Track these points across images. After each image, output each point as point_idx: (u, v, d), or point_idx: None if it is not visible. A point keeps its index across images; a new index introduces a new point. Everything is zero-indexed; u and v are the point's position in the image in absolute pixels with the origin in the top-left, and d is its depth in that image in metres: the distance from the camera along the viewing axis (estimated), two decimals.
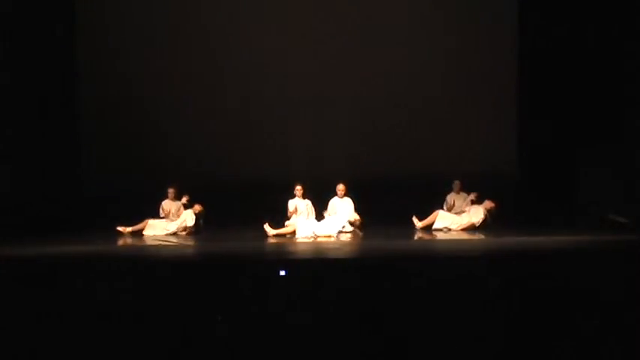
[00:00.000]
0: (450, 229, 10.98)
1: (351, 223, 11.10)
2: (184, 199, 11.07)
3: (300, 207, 11.09)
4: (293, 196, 11.15)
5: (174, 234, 10.88)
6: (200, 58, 12.92)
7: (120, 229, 10.93)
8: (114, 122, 12.86)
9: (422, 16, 12.98)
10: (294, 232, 10.60)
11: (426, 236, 10.64)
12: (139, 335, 6.76)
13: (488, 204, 11.11)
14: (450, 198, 11.59)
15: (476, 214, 11.05)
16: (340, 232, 10.70)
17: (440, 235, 10.68)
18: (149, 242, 10.36)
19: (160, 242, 10.24)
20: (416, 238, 10.57)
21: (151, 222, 11.01)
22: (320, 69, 12.91)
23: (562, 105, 12.16)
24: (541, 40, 12.40)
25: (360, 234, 10.87)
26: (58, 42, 12.45)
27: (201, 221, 11.07)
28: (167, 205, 11.26)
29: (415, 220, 11.12)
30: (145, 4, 12.99)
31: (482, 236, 10.53)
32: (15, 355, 6.63)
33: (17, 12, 11.73)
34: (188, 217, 10.96)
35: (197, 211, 10.99)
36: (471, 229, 10.97)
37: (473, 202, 11.24)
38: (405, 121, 12.93)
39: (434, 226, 11.08)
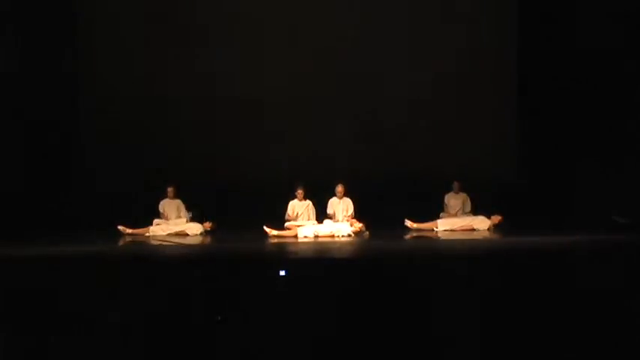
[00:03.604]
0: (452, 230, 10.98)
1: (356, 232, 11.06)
2: (207, 225, 10.99)
3: (300, 209, 11.09)
4: (293, 197, 11.15)
5: (175, 234, 10.87)
6: (200, 59, 12.91)
7: (120, 228, 10.93)
8: (114, 122, 12.87)
9: (422, 16, 12.98)
10: (294, 236, 10.57)
11: (426, 236, 10.64)
12: (138, 335, 6.76)
13: (495, 219, 11.01)
14: (448, 198, 11.57)
15: (481, 224, 11.02)
16: (344, 236, 10.65)
17: (440, 235, 10.68)
18: (150, 242, 10.37)
19: (161, 242, 10.25)
20: (416, 238, 10.55)
21: (152, 229, 10.96)
22: (320, 69, 12.92)
23: (562, 106, 12.15)
24: (541, 41, 12.40)
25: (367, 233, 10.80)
26: (60, 43, 12.45)
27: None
28: (166, 204, 11.25)
29: (408, 222, 11.06)
30: (147, 4, 13.00)
31: (482, 236, 10.52)
32: (15, 355, 6.63)
33: (18, 11, 11.73)
34: (194, 228, 10.97)
35: (207, 228, 11.00)
36: (470, 230, 10.97)
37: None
38: (406, 122, 12.93)
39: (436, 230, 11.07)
